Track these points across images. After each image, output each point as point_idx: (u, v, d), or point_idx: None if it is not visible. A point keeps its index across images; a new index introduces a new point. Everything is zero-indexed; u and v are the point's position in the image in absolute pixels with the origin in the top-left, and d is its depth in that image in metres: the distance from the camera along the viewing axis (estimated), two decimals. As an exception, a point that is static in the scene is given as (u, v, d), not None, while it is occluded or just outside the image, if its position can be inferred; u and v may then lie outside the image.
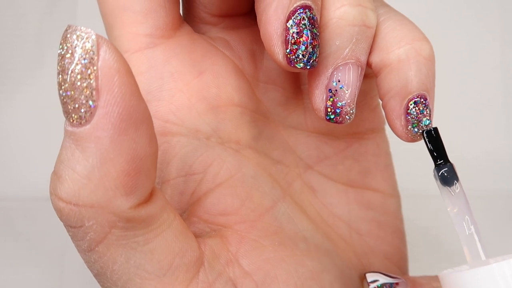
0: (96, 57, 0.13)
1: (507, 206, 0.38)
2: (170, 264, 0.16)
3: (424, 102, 0.18)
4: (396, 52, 0.18)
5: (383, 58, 0.18)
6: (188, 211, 0.19)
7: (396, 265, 0.23)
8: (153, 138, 0.15)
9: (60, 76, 0.14)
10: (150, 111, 0.16)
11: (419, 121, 0.18)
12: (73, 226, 0.15)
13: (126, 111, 0.14)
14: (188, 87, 0.19)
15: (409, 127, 0.18)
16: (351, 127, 0.22)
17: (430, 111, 0.18)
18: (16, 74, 0.40)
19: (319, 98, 0.18)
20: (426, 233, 0.38)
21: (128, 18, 0.19)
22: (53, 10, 0.40)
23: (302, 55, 0.17)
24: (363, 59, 0.18)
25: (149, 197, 0.15)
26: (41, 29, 0.40)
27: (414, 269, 0.38)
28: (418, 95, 0.18)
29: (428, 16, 0.40)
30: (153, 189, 0.16)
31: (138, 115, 0.14)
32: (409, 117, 0.18)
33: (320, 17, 0.17)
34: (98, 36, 0.14)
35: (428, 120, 0.18)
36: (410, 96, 0.18)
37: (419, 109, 0.18)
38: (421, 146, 0.42)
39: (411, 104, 0.18)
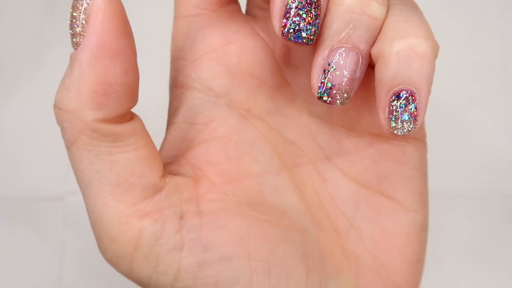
0: None
1: (507, 206, 0.38)
2: (126, 178, 0.18)
3: (407, 97, 0.18)
4: (390, 44, 0.18)
5: (379, 49, 0.19)
6: (183, 154, 0.22)
7: (393, 280, 0.22)
8: (130, 71, 0.18)
9: (71, 9, 0.18)
10: (177, 67, 0.22)
11: (399, 116, 0.18)
12: (60, 126, 0.18)
13: (103, 42, 0.17)
14: (213, 52, 0.22)
15: (389, 119, 0.19)
16: (375, 126, 0.22)
17: (416, 109, 0.18)
18: (16, 74, 0.40)
19: (315, 77, 0.19)
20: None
21: None
22: (53, 10, 0.40)
23: (293, 29, 0.18)
24: (363, 47, 0.19)
25: (120, 119, 0.18)
26: (41, 29, 0.40)
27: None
28: (403, 89, 0.18)
29: (427, 17, 0.40)
30: (131, 116, 0.19)
31: (115, 48, 0.17)
32: (390, 109, 0.19)
33: (328, 2, 0.19)
34: None
35: (409, 116, 0.18)
36: (396, 89, 0.18)
37: (400, 103, 0.18)
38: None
39: (394, 97, 0.18)
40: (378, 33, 0.19)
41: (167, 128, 0.22)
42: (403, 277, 0.22)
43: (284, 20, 0.18)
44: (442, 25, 0.41)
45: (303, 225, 0.21)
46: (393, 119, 0.19)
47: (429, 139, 0.40)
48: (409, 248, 0.22)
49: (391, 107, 0.18)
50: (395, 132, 0.19)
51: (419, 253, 0.22)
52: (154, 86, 0.28)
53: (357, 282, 0.22)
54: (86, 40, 0.17)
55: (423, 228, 0.23)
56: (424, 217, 0.23)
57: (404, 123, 0.19)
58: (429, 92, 0.19)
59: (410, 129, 0.19)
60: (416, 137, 0.23)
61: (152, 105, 0.28)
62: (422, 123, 0.23)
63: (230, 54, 0.22)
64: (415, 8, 0.20)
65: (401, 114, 0.18)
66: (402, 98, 0.18)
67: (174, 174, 0.21)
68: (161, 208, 0.19)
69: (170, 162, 0.21)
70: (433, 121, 0.40)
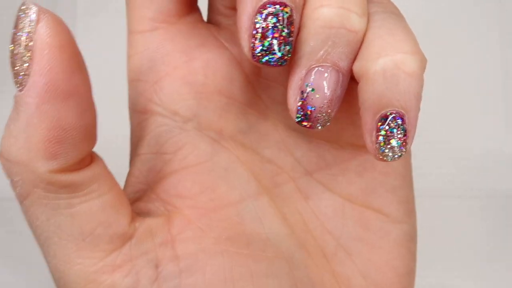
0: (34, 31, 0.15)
1: (507, 206, 0.39)
2: (91, 231, 0.17)
3: (396, 121, 0.17)
4: (374, 63, 0.17)
5: (362, 67, 0.17)
6: (152, 187, 0.20)
7: None
8: (86, 111, 0.16)
9: (11, 44, 0.16)
10: (137, 90, 0.20)
11: (388, 141, 0.17)
12: (9, 179, 0.16)
13: (52, 82, 0.15)
14: (175, 71, 0.20)
15: (377, 145, 0.17)
16: (357, 138, 0.21)
17: (406, 132, 0.17)
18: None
19: (292, 99, 0.17)
20: (425, 234, 0.38)
21: (137, 1, 0.20)
22: (53, 10, 0.40)
23: (264, 51, 0.17)
24: (343, 64, 0.17)
25: (78, 166, 0.16)
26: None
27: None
28: (391, 112, 0.17)
29: (427, 16, 0.40)
30: (91, 159, 0.17)
31: (65, 89, 0.15)
32: (378, 134, 0.17)
33: (301, 16, 0.17)
34: (40, 12, 0.15)
35: (398, 141, 0.17)
36: (383, 112, 0.17)
37: (389, 128, 0.17)
38: (419, 146, 0.42)
39: (381, 120, 0.17)
40: (360, 47, 0.17)
41: (131, 160, 0.20)
42: None
43: (253, 41, 0.17)
44: (442, 26, 0.41)
45: (288, 251, 0.20)
46: (382, 145, 0.17)
47: (429, 139, 0.40)
48: (400, 262, 0.21)
49: (379, 132, 0.17)
50: (385, 158, 0.17)
51: (410, 265, 0.21)
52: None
53: None
54: (33, 81, 0.15)
55: (413, 238, 0.21)
56: (413, 226, 0.21)
57: (395, 148, 0.17)
58: (418, 111, 0.17)
59: (400, 154, 0.17)
60: None
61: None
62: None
63: (195, 71, 0.20)
64: (397, 15, 0.18)
65: (390, 139, 0.17)
66: (391, 122, 0.17)
67: (143, 211, 0.19)
68: (132, 258, 0.17)
69: (138, 198, 0.20)
70: (432, 121, 0.40)
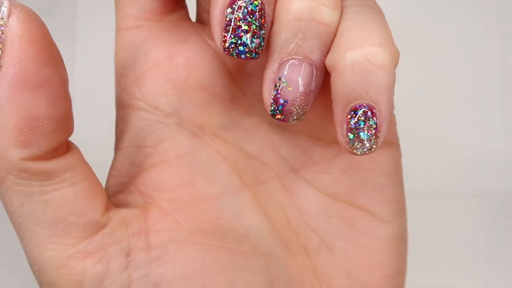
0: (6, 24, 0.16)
1: (506, 206, 0.39)
2: (64, 218, 0.17)
3: (365, 113, 0.17)
4: (344, 55, 0.17)
5: (333, 60, 0.17)
6: (132, 180, 0.20)
7: None
8: (58, 101, 0.16)
9: None
10: (121, 85, 0.20)
11: (358, 134, 0.17)
12: None
13: (22, 73, 0.16)
14: (158, 67, 0.20)
15: (347, 138, 0.17)
16: None
17: (376, 125, 0.17)
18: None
19: (266, 93, 0.18)
20: (423, 233, 0.38)
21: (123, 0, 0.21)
22: (53, 10, 0.40)
23: (235, 43, 0.17)
24: (315, 57, 0.17)
25: (51, 155, 0.17)
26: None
27: (411, 268, 0.38)
28: (361, 105, 0.17)
29: (427, 16, 0.40)
30: (67, 148, 0.17)
31: (36, 79, 0.16)
32: (348, 127, 0.17)
33: (274, 9, 0.17)
34: (11, 6, 0.16)
35: (367, 134, 0.17)
36: (352, 105, 0.17)
37: (357, 121, 0.17)
38: (418, 146, 0.42)
39: (351, 113, 0.17)
40: (332, 40, 0.17)
41: (114, 154, 0.21)
42: None
43: (225, 34, 0.17)
44: (442, 26, 0.41)
45: (267, 248, 0.20)
46: (351, 138, 0.17)
47: (427, 139, 0.40)
48: (387, 262, 0.20)
49: (348, 125, 0.17)
50: (355, 151, 0.17)
51: (399, 265, 0.21)
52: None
53: None
54: (3, 73, 0.16)
55: (402, 238, 0.21)
56: (402, 226, 0.21)
57: (364, 141, 0.17)
58: (390, 105, 0.17)
59: (370, 147, 0.17)
60: (387, 142, 0.21)
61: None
62: (393, 127, 0.21)
63: (177, 67, 0.20)
64: (373, 8, 0.18)
65: (359, 132, 0.17)
66: (360, 115, 0.17)
67: (123, 204, 0.19)
68: (105, 246, 0.17)
69: (120, 190, 0.20)
70: (431, 121, 0.40)
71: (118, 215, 0.18)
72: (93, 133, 0.33)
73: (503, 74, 0.39)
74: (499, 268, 0.38)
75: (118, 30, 0.21)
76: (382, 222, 0.20)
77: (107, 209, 0.18)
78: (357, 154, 0.17)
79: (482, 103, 0.39)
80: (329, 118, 0.20)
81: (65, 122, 0.17)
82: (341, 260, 0.21)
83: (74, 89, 0.38)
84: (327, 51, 0.17)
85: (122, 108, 0.21)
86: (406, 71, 0.40)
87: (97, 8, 0.40)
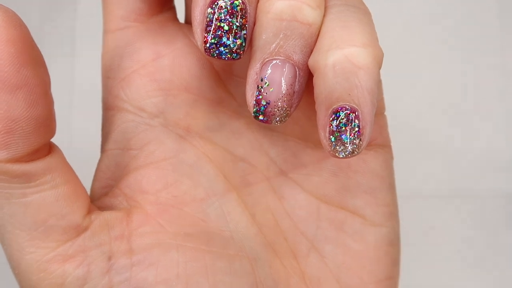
0: None
1: (507, 206, 0.39)
2: (44, 221, 0.17)
3: (348, 115, 0.16)
4: (326, 56, 0.16)
5: (315, 61, 0.17)
6: (117, 183, 0.20)
7: None
8: (37, 103, 0.16)
9: None
10: (107, 87, 0.20)
11: (340, 137, 0.16)
12: None
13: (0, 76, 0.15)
14: (143, 68, 0.20)
15: (329, 141, 0.17)
16: None
17: (359, 128, 0.16)
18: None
19: (249, 94, 0.17)
20: (423, 233, 0.38)
21: (109, 1, 0.20)
22: (53, 10, 0.40)
23: (215, 44, 0.17)
24: (298, 58, 0.17)
25: (32, 157, 0.16)
26: (41, 29, 0.40)
27: (411, 269, 0.38)
28: (343, 107, 0.16)
29: (426, 17, 0.40)
30: (49, 150, 0.17)
31: (14, 81, 0.15)
32: (331, 129, 0.16)
33: (255, 9, 0.17)
34: None
35: (350, 137, 0.16)
36: (334, 107, 0.16)
37: (339, 123, 0.16)
38: (418, 147, 0.42)
39: (333, 116, 0.16)
40: (315, 41, 0.17)
41: (100, 155, 0.21)
42: None
43: (206, 34, 0.17)
44: (441, 25, 0.41)
45: (253, 251, 0.19)
46: (333, 140, 0.17)
47: (427, 140, 0.40)
48: (377, 266, 0.20)
49: (331, 127, 0.16)
50: (337, 154, 0.17)
51: (390, 270, 0.20)
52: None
53: None
54: None
55: (393, 242, 0.21)
56: (393, 230, 0.20)
57: (346, 144, 0.16)
58: (373, 106, 0.16)
59: (353, 150, 0.16)
60: (378, 143, 0.20)
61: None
62: (385, 129, 0.20)
63: (162, 69, 0.20)
64: (358, 8, 0.18)
65: (341, 135, 0.16)
66: (342, 117, 0.16)
67: (107, 206, 0.19)
68: (86, 249, 0.17)
69: (105, 193, 0.20)
70: (431, 121, 0.40)
71: (100, 218, 0.18)
72: (93, 133, 0.33)
73: (503, 74, 0.39)
74: (499, 268, 0.38)
75: (105, 32, 0.21)
76: (372, 226, 0.20)
77: (89, 212, 0.18)
78: (339, 157, 0.17)
79: (483, 103, 0.39)
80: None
81: (46, 124, 0.16)
82: (330, 264, 0.20)
83: (74, 89, 0.38)
84: (310, 51, 0.17)
85: (108, 110, 0.20)
86: (406, 71, 0.40)
87: (97, 8, 0.40)
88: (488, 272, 0.38)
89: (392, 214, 0.21)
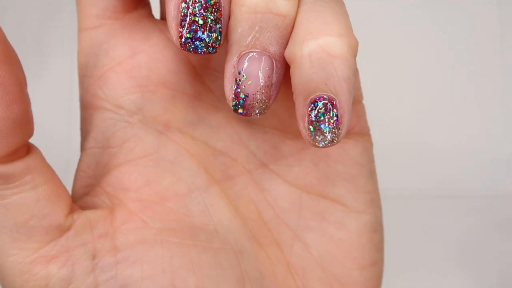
0: None
1: (507, 207, 0.39)
2: (25, 222, 0.17)
3: (325, 105, 0.16)
4: (301, 47, 0.16)
5: (291, 52, 0.17)
6: (98, 181, 0.20)
7: None
8: (13, 103, 0.16)
9: None
10: (84, 86, 0.20)
11: (319, 127, 0.16)
12: None
13: None
14: (120, 65, 0.20)
15: (308, 131, 0.17)
16: None
17: (337, 117, 0.16)
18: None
19: (227, 88, 0.17)
20: (423, 233, 0.38)
21: None
22: (53, 10, 0.40)
23: (191, 39, 0.17)
24: (274, 50, 0.17)
25: (9, 158, 0.16)
26: (41, 29, 0.40)
27: (411, 269, 0.38)
28: (320, 97, 0.16)
29: (427, 17, 0.40)
30: (27, 151, 0.17)
31: None
32: (309, 119, 0.17)
33: (230, 3, 0.17)
34: None
35: (328, 126, 0.16)
36: (312, 97, 0.16)
37: (318, 113, 0.16)
38: (418, 147, 0.42)
39: (311, 106, 0.16)
40: (291, 32, 0.17)
41: (80, 155, 0.20)
42: (357, 284, 0.20)
43: (180, 29, 0.17)
44: (441, 25, 0.41)
45: (238, 243, 0.20)
46: (312, 130, 0.17)
47: (427, 139, 0.40)
48: (361, 253, 0.20)
49: (309, 117, 0.16)
50: (317, 144, 0.17)
51: (374, 256, 0.21)
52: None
53: None
54: None
55: (375, 229, 0.21)
56: (375, 217, 0.21)
57: (325, 133, 0.17)
58: (350, 95, 0.17)
59: (332, 139, 0.17)
60: (357, 132, 0.20)
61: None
62: (363, 117, 0.21)
63: (139, 65, 0.20)
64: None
65: (320, 124, 0.16)
66: (320, 107, 0.16)
67: (89, 205, 0.19)
68: (69, 249, 0.17)
69: (86, 192, 0.20)
70: (431, 121, 0.40)
71: (83, 217, 0.18)
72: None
73: (503, 73, 0.39)
74: (500, 269, 0.38)
75: (80, 30, 0.21)
76: (354, 213, 0.20)
77: (71, 211, 0.18)
78: (319, 147, 0.17)
79: (483, 104, 0.40)
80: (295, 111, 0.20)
81: (23, 124, 0.16)
82: (314, 253, 0.20)
83: (74, 89, 0.38)
84: (286, 43, 0.17)
85: (86, 109, 0.20)
86: (407, 72, 0.40)
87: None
88: (489, 272, 0.38)
89: (374, 201, 0.21)
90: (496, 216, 0.39)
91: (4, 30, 0.44)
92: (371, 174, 0.21)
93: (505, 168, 0.39)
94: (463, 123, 0.40)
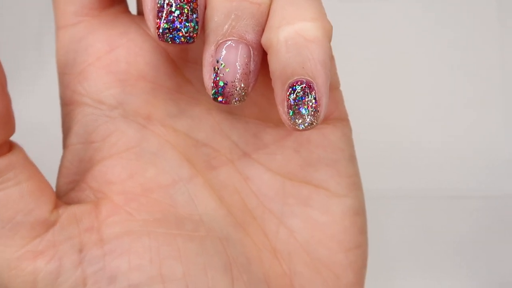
0: None
1: (507, 207, 0.39)
2: (10, 218, 0.17)
3: (303, 88, 0.17)
4: (277, 33, 0.17)
5: (267, 38, 0.17)
6: (83, 177, 0.20)
7: (333, 272, 0.21)
8: None
9: None
10: (64, 83, 0.20)
11: (298, 110, 0.17)
12: None
13: None
14: (99, 61, 0.20)
15: (288, 115, 0.17)
16: None
17: (315, 100, 0.17)
18: (16, 74, 0.40)
19: (206, 77, 0.18)
20: (424, 233, 0.38)
21: None
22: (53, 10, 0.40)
23: (168, 29, 0.17)
24: (251, 37, 0.17)
25: None
26: (41, 29, 0.40)
27: (411, 269, 0.38)
28: (298, 81, 0.17)
29: (427, 18, 0.40)
30: (9, 147, 0.17)
31: None
32: (289, 103, 0.17)
33: None
34: None
35: (307, 109, 0.17)
36: (290, 81, 0.17)
37: (296, 96, 0.17)
38: (419, 147, 0.42)
39: (290, 90, 0.17)
40: (266, 19, 0.17)
41: (63, 152, 0.21)
42: (343, 267, 0.21)
43: (158, 20, 0.17)
44: (441, 26, 0.41)
45: (223, 231, 0.20)
46: (292, 114, 0.17)
47: (427, 139, 0.40)
48: (344, 236, 0.21)
49: (288, 101, 0.17)
50: (297, 127, 0.17)
51: (358, 238, 0.21)
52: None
53: (292, 283, 0.20)
54: None
55: (358, 212, 0.21)
56: (357, 200, 0.21)
57: (305, 116, 0.17)
58: (327, 78, 0.17)
59: (311, 122, 0.17)
60: (336, 117, 0.21)
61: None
62: (341, 103, 0.21)
63: (118, 60, 0.20)
64: None
65: (299, 108, 0.17)
66: (298, 90, 0.17)
67: (75, 201, 0.19)
68: (56, 244, 0.17)
69: (71, 188, 0.20)
70: (431, 121, 0.40)
71: (68, 212, 0.18)
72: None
73: (503, 73, 0.39)
74: (499, 269, 0.38)
75: (58, 28, 0.21)
76: (337, 197, 0.21)
77: (56, 206, 0.18)
78: (299, 130, 0.17)
79: (483, 104, 0.40)
80: (274, 99, 0.20)
81: (4, 121, 0.17)
82: (299, 238, 0.21)
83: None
84: (262, 30, 0.17)
85: (67, 105, 0.21)
86: (406, 72, 0.40)
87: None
88: (489, 272, 0.38)
89: (355, 184, 0.21)
90: (496, 216, 0.39)
91: (4, 30, 0.44)
92: (352, 158, 0.21)
93: (505, 168, 0.39)
94: (463, 123, 0.40)
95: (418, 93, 0.40)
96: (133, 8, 0.22)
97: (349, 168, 0.21)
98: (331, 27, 0.17)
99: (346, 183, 0.21)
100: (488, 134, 0.39)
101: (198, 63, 0.20)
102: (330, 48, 0.17)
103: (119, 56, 0.20)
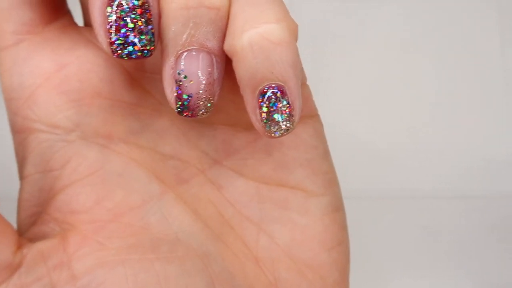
0: None
1: (507, 207, 0.39)
2: None
3: (275, 93, 0.16)
4: (241, 38, 0.16)
5: (230, 45, 0.16)
6: (45, 208, 0.19)
7: (318, 273, 0.20)
8: None
9: None
10: (12, 109, 0.19)
11: (272, 117, 0.16)
12: None
13: None
14: (48, 82, 0.19)
15: (262, 123, 0.16)
16: None
17: (289, 104, 0.16)
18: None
19: (168, 90, 0.17)
20: (424, 233, 0.38)
21: None
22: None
23: (123, 44, 0.16)
24: (212, 44, 0.16)
25: None
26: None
27: (411, 269, 0.38)
28: (269, 86, 0.16)
29: (428, 19, 0.40)
30: None
31: None
32: (261, 111, 0.16)
33: (158, 1, 0.16)
34: None
35: (282, 115, 0.16)
36: (260, 88, 0.16)
37: (269, 103, 0.16)
38: (419, 147, 0.42)
39: (261, 97, 0.16)
40: (226, 25, 0.16)
41: (20, 183, 0.19)
42: (327, 266, 0.20)
43: (110, 36, 0.16)
44: (442, 25, 0.41)
45: (202, 247, 0.19)
46: (266, 122, 0.16)
47: (427, 140, 0.40)
48: (326, 235, 0.20)
49: (261, 109, 0.16)
50: (273, 135, 0.16)
51: (339, 235, 0.20)
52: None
53: None
54: None
55: (337, 208, 0.20)
56: (335, 197, 0.20)
57: (280, 123, 0.16)
58: (298, 80, 0.16)
59: (287, 128, 0.16)
60: (305, 115, 0.20)
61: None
62: (309, 99, 0.20)
63: (69, 78, 0.19)
64: None
65: (273, 114, 0.16)
66: (270, 96, 0.16)
67: (39, 236, 0.18)
68: (23, 285, 0.16)
69: (33, 222, 0.19)
70: (431, 122, 0.40)
71: (33, 250, 0.17)
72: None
73: (504, 75, 0.39)
74: (499, 269, 0.38)
75: None
76: (315, 196, 0.20)
77: (19, 246, 0.17)
78: (275, 137, 0.16)
79: (484, 104, 0.40)
80: (242, 103, 0.19)
81: None
82: (281, 243, 0.20)
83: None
84: (223, 36, 0.17)
85: (19, 133, 0.19)
86: (406, 72, 0.40)
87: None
88: (489, 272, 0.38)
89: (331, 181, 0.21)
90: (496, 216, 0.39)
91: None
92: (325, 154, 0.20)
93: (505, 168, 0.39)
94: (463, 123, 0.40)
95: (418, 93, 0.40)
96: (79, 19, 0.21)
97: (324, 165, 0.20)
98: (297, 26, 0.17)
99: (322, 180, 0.20)
100: (488, 134, 0.39)
101: (156, 72, 0.19)
102: (297, 48, 0.17)
103: (69, 74, 0.19)
